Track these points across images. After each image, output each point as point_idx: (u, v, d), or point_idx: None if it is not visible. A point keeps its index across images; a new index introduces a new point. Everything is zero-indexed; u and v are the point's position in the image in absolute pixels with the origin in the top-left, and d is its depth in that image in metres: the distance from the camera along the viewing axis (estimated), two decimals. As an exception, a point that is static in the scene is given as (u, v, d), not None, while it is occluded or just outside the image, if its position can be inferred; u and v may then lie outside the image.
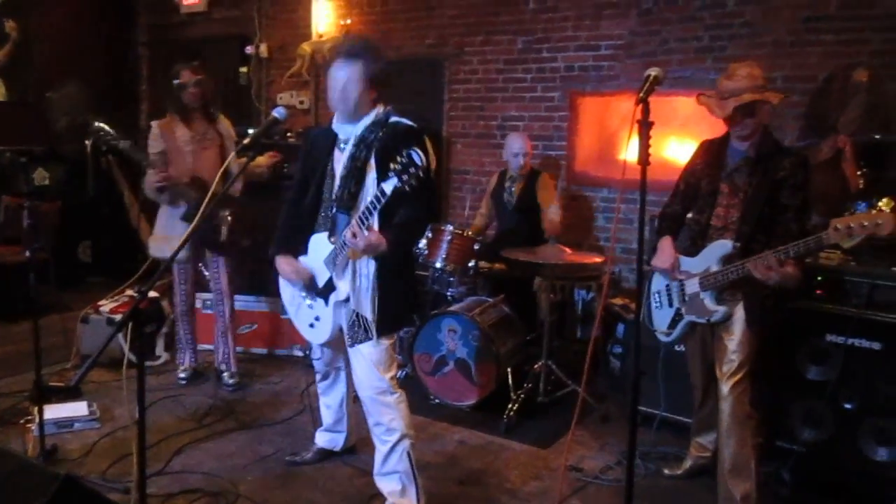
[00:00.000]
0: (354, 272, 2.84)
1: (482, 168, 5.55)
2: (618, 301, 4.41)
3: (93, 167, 6.57)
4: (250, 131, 4.98)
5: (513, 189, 4.90)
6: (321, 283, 2.97)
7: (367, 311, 2.85)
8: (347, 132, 2.88)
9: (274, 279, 3.21)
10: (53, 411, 3.67)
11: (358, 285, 2.85)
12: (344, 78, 2.77)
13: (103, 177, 6.65)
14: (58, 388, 4.10)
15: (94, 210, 6.71)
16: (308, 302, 3.07)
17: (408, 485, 2.97)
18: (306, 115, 6.19)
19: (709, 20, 4.68)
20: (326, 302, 2.97)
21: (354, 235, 2.65)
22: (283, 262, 3.05)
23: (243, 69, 6.73)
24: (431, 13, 5.73)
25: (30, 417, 3.75)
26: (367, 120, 2.84)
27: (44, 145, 6.61)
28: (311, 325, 3.10)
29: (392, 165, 2.45)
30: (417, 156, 2.43)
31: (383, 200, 2.55)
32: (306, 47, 6.14)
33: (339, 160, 2.89)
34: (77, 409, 3.85)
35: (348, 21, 6.02)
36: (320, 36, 6.12)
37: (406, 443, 2.96)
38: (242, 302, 4.99)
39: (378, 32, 5.92)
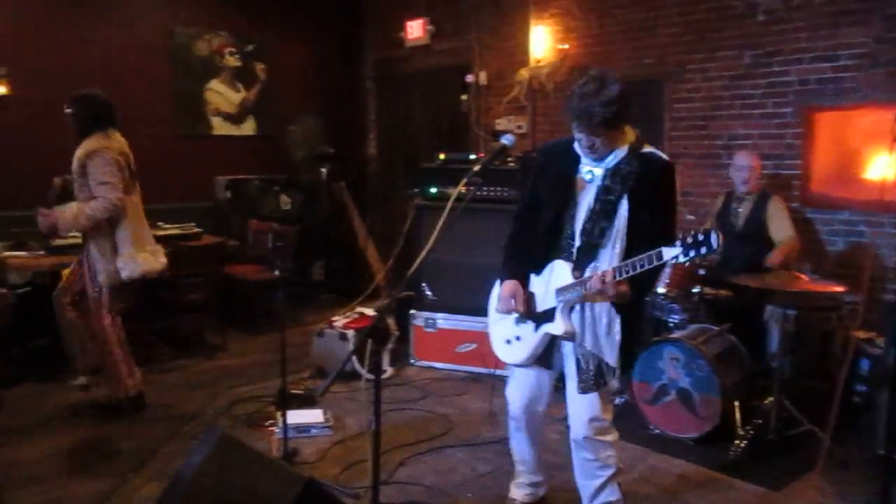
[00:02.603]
0: (595, 317, 2.73)
1: (705, 189, 5.31)
2: (861, 334, 4.01)
3: (326, 193, 7.14)
4: (471, 157, 5.17)
5: (739, 210, 4.65)
6: (540, 307, 2.86)
7: (612, 358, 2.74)
8: (594, 161, 2.72)
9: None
10: (293, 417, 3.97)
11: (600, 332, 2.73)
12: (589, 144, 2.65)
13: (335, 202, 7.20)
14: (299, 396, 4.47)
15: (327, 233, 7.26)
16: (516, 318, 2.96)
17: None
18: (524, 140, 6.29)
19: (972, 20, 4.16)
20: (536, 328, 2.88)
21: (604, 281, 2.53)
22: (508, 285, 2.91)
23: (464, 97, 6.99)
24: (650, 33, 5.61)
25: (273, 421, 4.12)
26: (620, 153, 2.67)
27: (285, 174, 7.29)
28: (508, 342, 3.00)
29: (685, 237, 2.34)
30: (716, 239, 2.28)
31: (655, 264, 2.43)
32: (524, 73, 6.25)
33: (584, 188, 2.74)
34: (313, 416, 4.16)
35: (566, 46, 6.06)
36: (538, 62, 6.21)
37: (618, 476, 2.93)
38: (461, 321, 5.15)
39: (595, 55, 5.90)
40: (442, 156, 5.40)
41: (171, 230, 5.85)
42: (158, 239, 5.58)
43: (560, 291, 2.75)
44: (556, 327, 2.77)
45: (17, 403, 4.50)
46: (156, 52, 6.77)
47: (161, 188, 6.67)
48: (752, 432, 3.80)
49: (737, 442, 3.76)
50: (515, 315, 2.95)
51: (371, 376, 4.20)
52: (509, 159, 5.03)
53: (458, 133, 7.02)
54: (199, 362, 5.46)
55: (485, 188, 4.91)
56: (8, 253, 5.28)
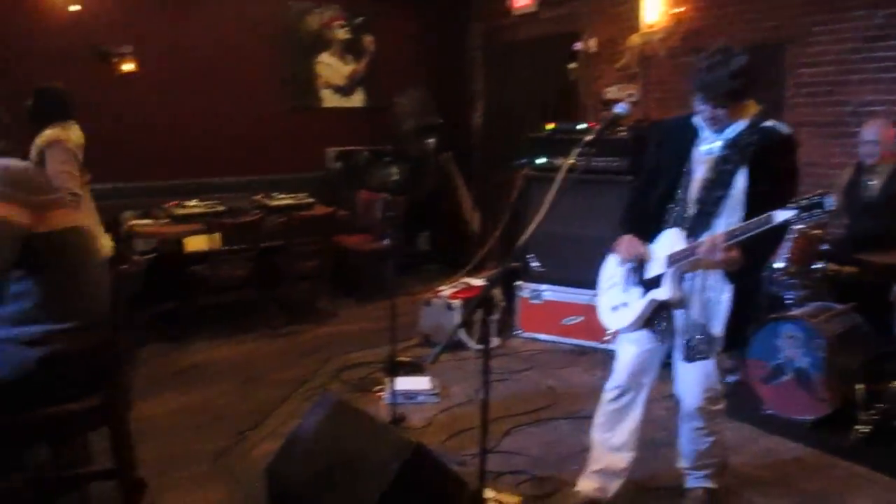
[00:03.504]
0: (705, 286, 2.73)
1: (829, 160, 5.00)
2: None
3: (433, 164, 7.19)
4: (580, 127, 5.08)
5: (871, 183, 4.36)
6: (649, 274, 2.87)
7: (717, 328, 2.73)
8: (715, 133, 2.72)
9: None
10: (401, 384, 4.06)
11: (709, 301, 2.73)
12: (711, 116, 2.64)
13: (442, 173, 7.24)
14: (407, 364, 4.56)
15: (433, 203, 7.33)
16: (624, 285, 2.99)
17: (721, 468, 3.06)
18: (635, 108, 6.11)
19: None
20: (643, 294, 2.88)
21: (714, 247, 2.53)
22: (626, 239, 2.93)
23: (572, 65, 6.85)
24: (772, -7, 5.32)
25: (381, 387, 4.23)
26: (740, 126, 2.65)
27: (393, 145, 7.39)
28: (614, 308, 3.01)
29: (797, 200, 2.35)
30: (829, 202, 2.29)
31: (766, 226, 2.43)
32: (636, 39, 6.06)
33: (701, 160, 2.75)
34: (420, 383, 4.25)
35: (680, 10, 5.82)
36: (650, 27, 6.00)
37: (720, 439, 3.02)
38: (567, 294, 5.11)
39: (711, 19, 5.63)
40: (550, 125, 5.33)
41: (285, 200, 6.06)
42: (273, 209, 5.84)
43: (671, 257, 2.76)
44: (663, 292, 2.79)
45: (145, 363, 4.79)
46: (269, 26, 6.95)
47: (274, 159, 6.94)
48: (875, 417, 3.61)
49: (858, 427, 3.58)
50: (624, 282, 2.98)
51: (480, 346, 4.26)
52: (620, 129, 4.91)
53: (566, 102, 6.90)
54: (310, 328, 5.65)
55: (595, 159, 4.80)
56: (135, 221, 5.62)
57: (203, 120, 6.59)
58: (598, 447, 3.08)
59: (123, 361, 2.60)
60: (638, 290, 2.92)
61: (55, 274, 2.39)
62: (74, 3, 5.95)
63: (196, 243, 5.53)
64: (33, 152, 4.24)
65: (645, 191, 2.97)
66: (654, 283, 2.84)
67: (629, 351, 3.00)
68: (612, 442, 3.04)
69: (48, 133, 4.19)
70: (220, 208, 5.70)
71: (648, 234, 2.89)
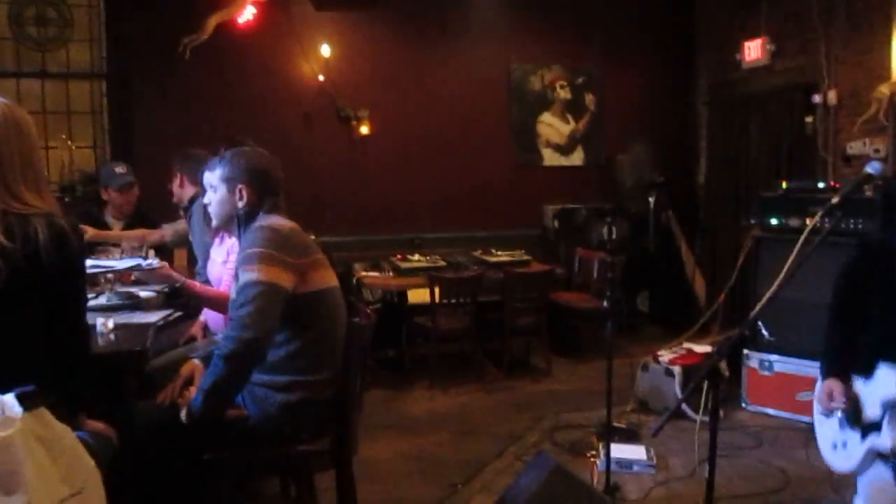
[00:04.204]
0: None
1: None
2: None
3: (654, 222, 7.01)
4: (820, 185, 4.71)
5: None
6: (866, 415, 2.47)
7: None
8: None
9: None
10: (616, 450, 3.90)
11: None
12: None
13: (663, 231, 7.02)
14: (622, 430, 4.40)
15: (654, 263, 7.10)
16: (840, 422, 2.58)
17: None
18: (883, 165, 5.56)
19: None
20: (863, 438, 2.47)
21: None
22: (828, 387, 2.55)
23: (808, 119, 6.41)
24: None
25: (594, 452, 4.10)
26: None
27: (612, 203, 7.30)
28: (834, 447, 2.61)
29: None
30: None
31: None
32: (884, 89, 5.54)
33: None
34: (636, 451, 4.07)
35: (938, 56, 5.27)
36: (903, 75, 5.47)
37: None
38: (803, 366, 4.67)
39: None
40: (784, 184, 4.99)
41: (503, 257, 6.19)
42: (491, 265, 5.97)
43: (889, 404, 2.37)
44: (884, 441, 2.38)
45: (369, 407, 5.02)
46: (494, 88, 7.23)
47: (493, 216, 7.14)
48: None
49: None
50: (839, 416, 2.59)
51: (701, 417, 4.02)
52: (867, 188, 4.48)
53: (802, 159, 6.44)
54: (524, 384, 5.65)
55: (840, 220, 4.41)
56: (364, 273, 6.01)
57: (429, 178, 6.96)
58: None
59: (354, 410, 2.75)
60: (856, 432, 2.52)
61: (307, 331, 2.57)
62: (321, 74, 6.61)
63: (418, 296, 5.78)
64: None
65: (861, 279, 2.61)
66: (874, 427, 2.44)
67: (868, 483, 2.58)
68: None
69: None
70: (442, 263, 5.93)
71: (859, 367, 2.50)
